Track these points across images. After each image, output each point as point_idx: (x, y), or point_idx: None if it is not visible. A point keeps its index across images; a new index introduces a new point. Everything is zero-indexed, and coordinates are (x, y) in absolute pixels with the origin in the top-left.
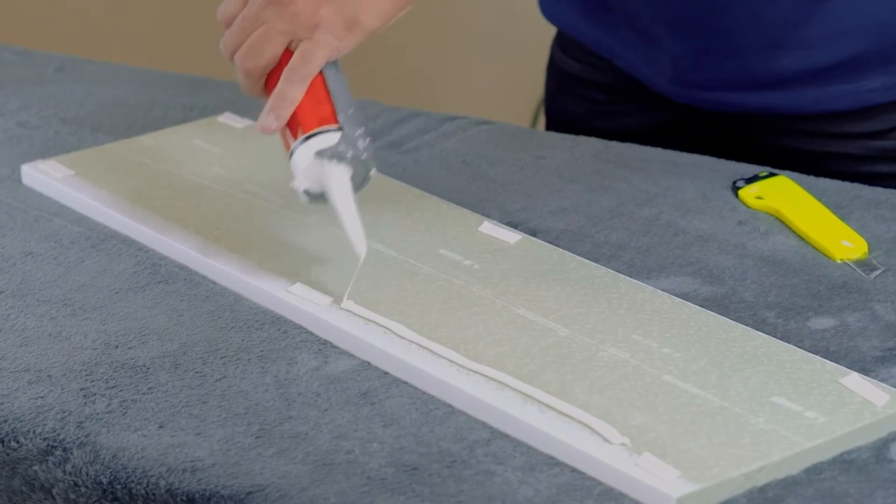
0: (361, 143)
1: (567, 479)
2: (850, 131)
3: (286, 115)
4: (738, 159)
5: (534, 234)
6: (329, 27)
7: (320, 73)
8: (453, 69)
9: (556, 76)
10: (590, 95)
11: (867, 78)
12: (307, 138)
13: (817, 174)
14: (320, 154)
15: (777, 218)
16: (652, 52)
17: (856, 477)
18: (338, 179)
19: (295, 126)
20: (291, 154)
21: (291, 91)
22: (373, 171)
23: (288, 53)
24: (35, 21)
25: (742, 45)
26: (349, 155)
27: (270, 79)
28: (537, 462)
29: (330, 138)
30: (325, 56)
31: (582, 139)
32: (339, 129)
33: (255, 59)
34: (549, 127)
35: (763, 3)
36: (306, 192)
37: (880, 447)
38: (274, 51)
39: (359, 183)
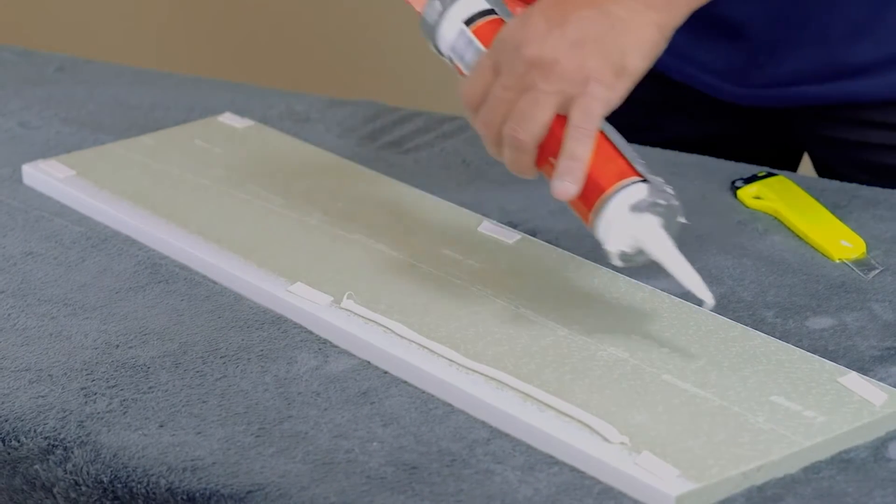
0: (669, 190)
1: (566, 479)
2: None
3: (582, 175)
4: (777, 164)
5: (533, 234)
6: (600, 78)
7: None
8: (453, 71)
9: None
10: (620, 111)
11: None
12: (612, 196)
13: (868, 170)
14: (636, 208)
15: (776, 218)
16: (719, 54)
17: (854, 476)
18: (654, 231)
19: (588, 188)
20: (597, 215)
21: (580, 150)
22: (681, 217)
23: (558, 119)
24: (36, 21)
25: (825, 34)
26: (663, 203)
27: (541, 150)
28: (537, 461)
29: (637, 191)
30: (603, 109)
31: None
32: (643, 180)
33: (530, 128)
34: None
35: None
36: (622, 254)
37: (878, 446)
38: (547, 115)
39: (673, 231)
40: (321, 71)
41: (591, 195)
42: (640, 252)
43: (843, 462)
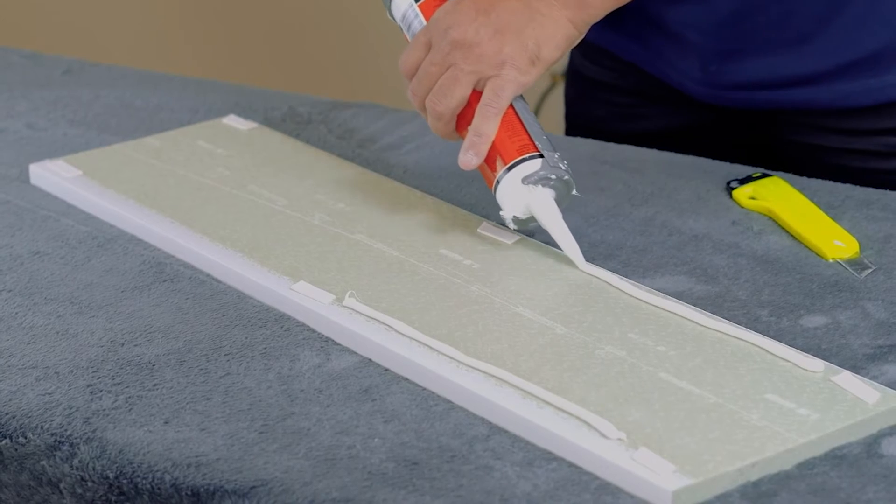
0: (563, 165)
1: (565, 474)
2: (872, 127)
3: (485, 149)
4: (762, 159)
5: (531, 234)
6: (514, 64)
7: (510, 106)
8: None
9: (578, 81)
10: (613, 99)
11: (890, 73)
12: (510, 168)
13: (840, 172)
14: (527, 180)
15: (770, 218)
16: (679, 55)
17: (847, 472)
18: (544, 201)
19: (494, 159)
20: (496, 185)
21: (487, 126)
22: (574, 191)
23: (475, 94)
24: (44, 26)
25: (771, 43)
26: (553, 177)
27: (460, 120)
28: (535, 457)
29: (532, 165)
30: (514, 90)
31: (579, 141)
32: (540, 155)
33: (447, 101)
34: (568, 130)
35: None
36: (514, 219)
37: (871, 443)
38: (463, 91)
39: (562, 202)
40: (323, 74)
41: (494, 166)
42: (532, 218)
43: (836, 458)
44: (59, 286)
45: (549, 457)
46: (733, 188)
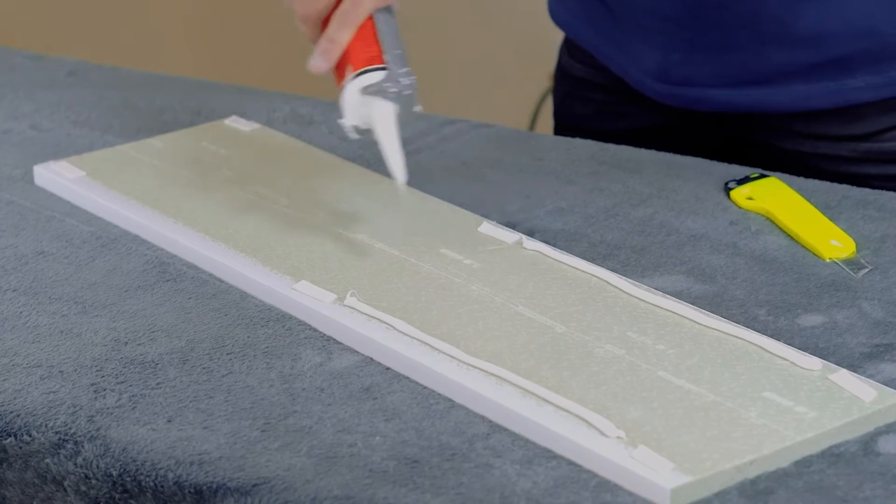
0: (405, 80)
1: (564, 472)
2: (839, 133)
3: (335, 56)
4: (730, 162)
5: (532, 234)
6: None
7: (371, 17)
8: (454, 74)
9: (564, 80)
10: (593, 97)
11: (852, 77)
12: (355, 77)
13: (808, 176)
14: (366, 90)
15: (768, 218)
16: (642, 48)
17: (844, 469)
18: (382, 113)
19: (344, 67)
20: (342, 92)
21: (340, 34)
22: (418, 108)
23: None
24: (47, 27)
25: (733, 41)
26: (393, 90)
27: (326, 25)
28: (535, 455)
29: (376, 76)
30: (374, 2)
31: (578, 142)
32: (385, 67)
33: (313, 4)
34: (556, 128)
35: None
36: (355, 128)
37: (868, 441)
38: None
39: (404, 119)
40: (325, 75)
41: (342, 74)
42: (370, 129)
43: (833, 456)
44: (63, 286)
45: (549, 455)
46: (731, 189)
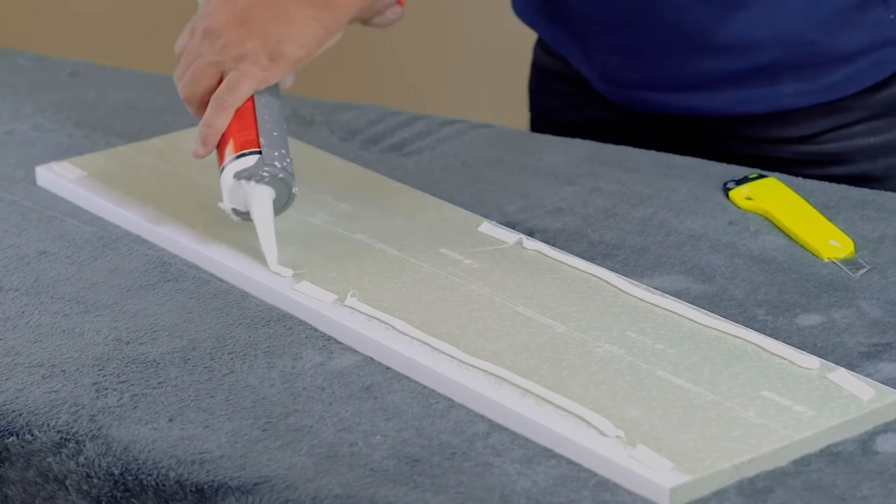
0: (279, 164)
1: (564, 471)
2: (778, 136)
3: (213, 141)
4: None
5: (531, 234)
6: (254, 59)
7: (251, 99)
8: (454, 75)
9: (536, 72)
10: (559, 88)
11: (781, 83)
12: (231, 161)
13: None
14: (239, 175)
15: (766, 218)
16: (589, 50)
17: (842, 468)
18: (256, 198)
19: (223, 150)
20: (220, 175)
21: (217, 119)
22: (294, 189)
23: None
24: (49, 28)
25: (665, 47)
26: (265, 174)
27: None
28: (535, 454)
29: (250, 160)
30: (251, 86)
31: (578, 142)
32: (259, 152)
33: (192, 89)
34: (532, 120)
35: (682, 8)
36: (234, 211)
37: (866, 440)
38: (208, 81)
39: (282, 201)
40: (325, 76)
41: (222, 158)
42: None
43: (831, 455)
44: (65, 285)
45: (549, 454)
46: (730, 189)
